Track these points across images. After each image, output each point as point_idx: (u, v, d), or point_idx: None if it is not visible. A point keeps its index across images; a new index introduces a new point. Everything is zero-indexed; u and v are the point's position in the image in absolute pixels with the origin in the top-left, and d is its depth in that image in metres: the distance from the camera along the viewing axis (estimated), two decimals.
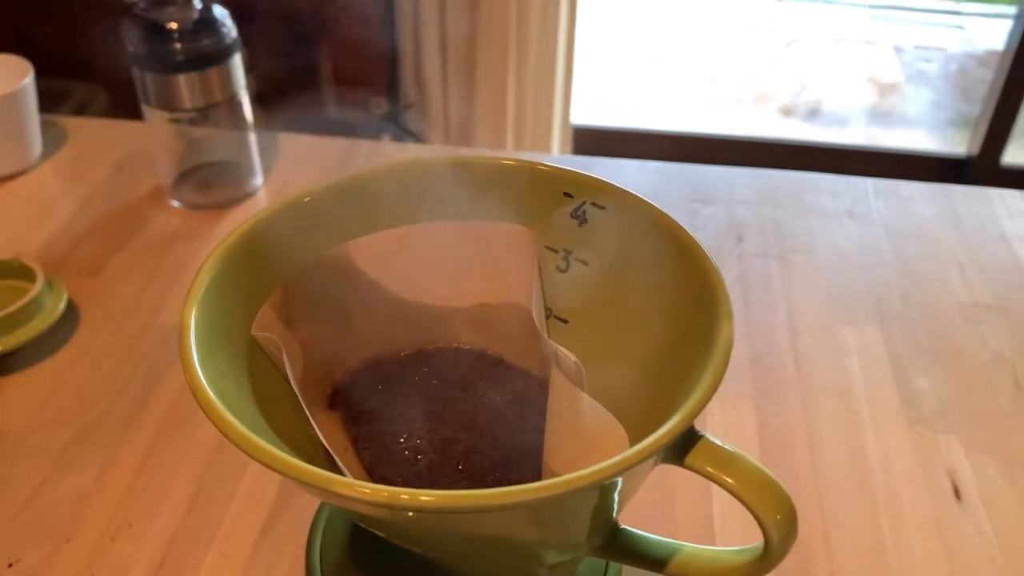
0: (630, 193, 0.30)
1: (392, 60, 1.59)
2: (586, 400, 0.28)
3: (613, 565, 0.35)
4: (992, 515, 0.46)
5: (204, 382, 0.24)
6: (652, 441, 0.22)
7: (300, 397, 0.29)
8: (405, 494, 0.21)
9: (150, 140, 0.67)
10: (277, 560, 0.44)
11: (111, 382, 0.53)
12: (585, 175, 0.32)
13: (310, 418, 0.29)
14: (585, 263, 0.32)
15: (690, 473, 0.47)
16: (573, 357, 0.28)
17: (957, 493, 0.48)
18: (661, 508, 0.46)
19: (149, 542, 0.44)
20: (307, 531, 0.44)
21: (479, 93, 1.57)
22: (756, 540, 0.30)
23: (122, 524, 0.45)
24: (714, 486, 0.47)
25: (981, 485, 0.48)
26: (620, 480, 0.23)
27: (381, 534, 0.27)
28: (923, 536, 0.45)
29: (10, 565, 0.43)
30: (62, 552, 0.44)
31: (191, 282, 0.27)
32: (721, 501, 0.47)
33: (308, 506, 0.46)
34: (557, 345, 0.29)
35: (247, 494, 0.47)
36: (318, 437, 0.28)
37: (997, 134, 1.74)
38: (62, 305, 0.55)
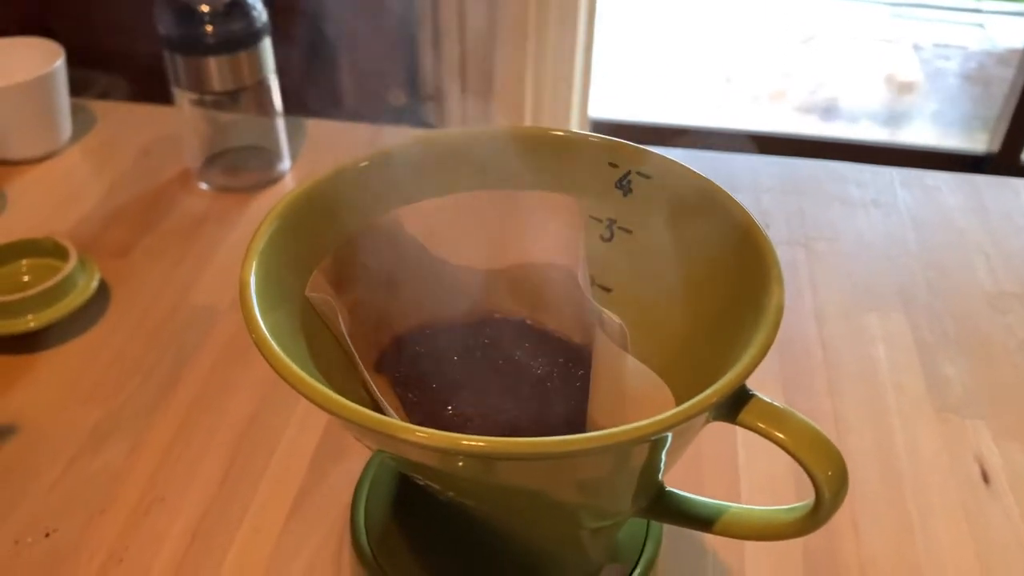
0: (676, 162, 0.31)
1: (411, 52, 1.59)
2: (631, 361, 0.28)
3: (654, 528, 0.35)
4: (1020, 499, 0.46)
5: (267, 333, 0.24)
6: (706, 395, 0.23)
7: (355, 355, 0.29)
8: (465, 439, 0.21)
9: (179, 123, 0.68)
10: (309, 534, 0.44)
11: (142, 360, 0.54)
12: (630, 145, 0.32)
13: (365, 374, 0.29)
14: (629, 232, 0.32)
15: (716, 440, 0.48)
16: (618, 319, 0.29)
17: (985, 477, 0.48)
18: (687, 474, 0.47)
19: (181, 516, 0.45)
20: (338, 507, 0.45)
21: (497, 86, 1.57)
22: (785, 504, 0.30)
23: (155, 498, 0.46)
24: (740, 453, 0.48)
25: (1009, 470, 0.48)
26: (671, 436, 0.23)
27: (435, 486, 0.27)
28: (950, 520, 0.45)
29: (47, 535, 0.44)
30: (96, 524, 0.44)
31: (250, 240, 0.28)
32: (750, 472, 0.47)
33: (339, 481, 0.46)
34: (601, 308, 0.29)
35: (278, 470, 0.47)
36: (370, 395, 0.29)
37: (1017, 132, 1.73)
38: (94, 284, 0.56)
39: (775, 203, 0.68)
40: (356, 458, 0.46)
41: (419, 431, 0.22)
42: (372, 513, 0.35)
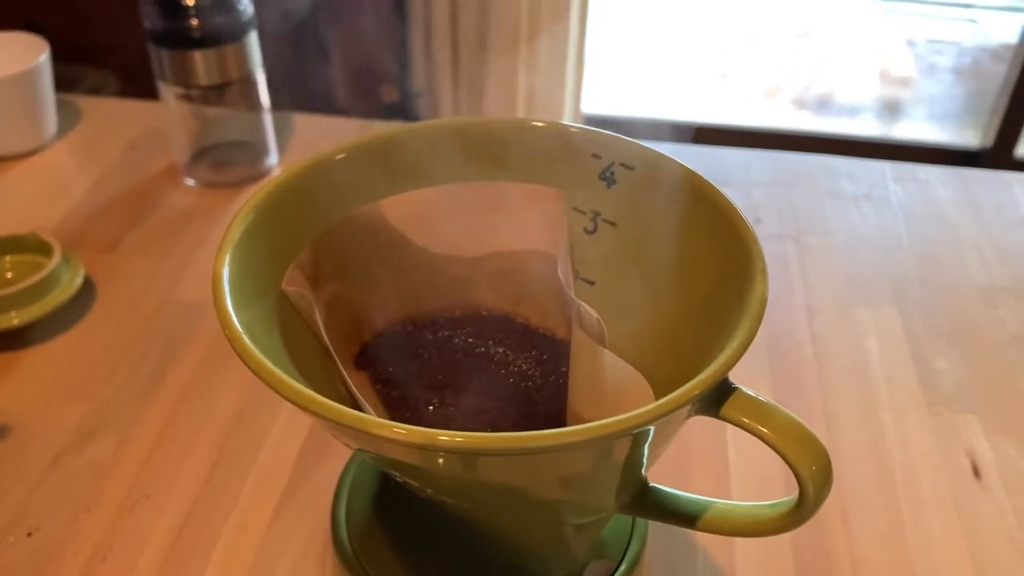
0: (661, 153, 0.30)
1: (403, 48, 1.58)
2: (608, 356, 0.28)
3: (639, 526, 0.35)
4: (1011, 494, 0.46)
5: (239, 328, 0.24)
6: (688, 388, 0.22)
7: (333, 351, 0.29)
8: (443, 435, 0.21)
9: (165, 118, 0.67)
10: (295, 532, 0.44)
11: (128, 356, 0.53)
12: (614, 136, 0.32)
13: (343, 371, 0.29)
14: (613, 224, 0.32)
15: (706, 437, 0.48)
16: (595, 314, 0.28)
17: (976, 472, 0.47)
18: (676, 470, 0.46)
19: (167, 513, 0.45)
20: (324, 505, 0.44)
21: (489, 81, 1.57)
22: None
23: (140, 496, 0.45)
24: (730, 449, 0.47)
25: (1000, 464, 0.48)
26: (652, 430, 0.23)
27: (415, 483, 0.27)
28: (942, 515, 0.45)
29: (29, 534, 0.43)
30: (81, 522, 0.44)
31: (224, 232, 0.27)
32: (740, 468, 0.47)
33: (326, 480, 0.46)
34: (580, 301, 0.29)
35: (264, 467, 0.47)
36: (348, 392, 0.28)
37: (1010, 127, 1.73)
38: (79, 280, 0.55)
39: (767, 197, 0.68)
40: (343, 455, 0.46)
41: (396, 427, 0.21)
42: (353, 511, 0.35)
